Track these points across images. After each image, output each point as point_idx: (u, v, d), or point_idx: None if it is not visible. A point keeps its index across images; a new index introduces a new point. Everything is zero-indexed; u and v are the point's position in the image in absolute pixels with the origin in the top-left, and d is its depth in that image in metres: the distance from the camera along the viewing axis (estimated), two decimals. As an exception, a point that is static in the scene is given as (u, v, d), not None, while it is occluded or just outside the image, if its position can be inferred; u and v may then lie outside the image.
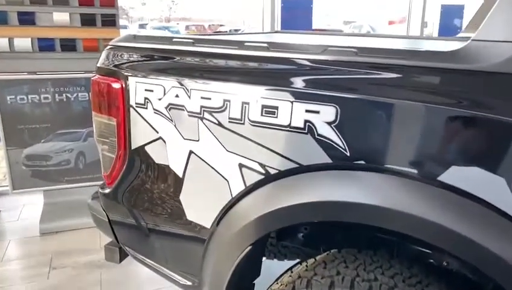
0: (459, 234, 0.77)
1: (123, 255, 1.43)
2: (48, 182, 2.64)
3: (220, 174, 1.05)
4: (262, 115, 0.96)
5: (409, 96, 0.83)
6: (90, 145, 2.66)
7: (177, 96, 1.09)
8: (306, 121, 0.91)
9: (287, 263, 1.44)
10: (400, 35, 2.54)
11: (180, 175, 1.13)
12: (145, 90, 1.14)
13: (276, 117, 0.94)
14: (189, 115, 1.07)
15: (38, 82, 2.50)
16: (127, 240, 1.37)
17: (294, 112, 0.92)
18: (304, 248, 1.32)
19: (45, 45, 2.48)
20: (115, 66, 1.22)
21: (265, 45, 1.01)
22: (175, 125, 1.11)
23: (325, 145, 0.89)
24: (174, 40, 1.14)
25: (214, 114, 1.03)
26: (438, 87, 0.84)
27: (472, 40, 0.81)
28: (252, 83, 0.99)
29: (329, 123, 0.88)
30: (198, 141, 1.07)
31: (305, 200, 0.90)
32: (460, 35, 2.16)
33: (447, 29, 5.03)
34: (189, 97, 1.07)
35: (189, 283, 1.24)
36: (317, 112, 0.90)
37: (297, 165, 0.93)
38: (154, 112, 1.13)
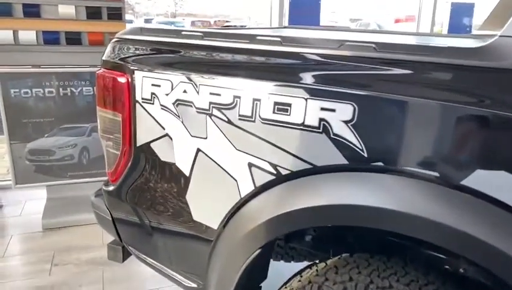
0: (484, 242, 0.72)
1: (126, 255, 1.39)
2: (51, 177, 2.61)
3: (229, 174, 1.01)
4: (274, 112, 0.92)
5: (431, 95, 0.78)
6: (94, 140, 2.62)
7: (185, 91, 1.04)
8: (321, 120, 0.86)
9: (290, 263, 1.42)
10: (411, 32, 2.48)
11: (187, 174, 1.08)
12: (152, 85, 1.10)
13: (289, 115, 0.90)
14: (198, 112, 1.03)
15: (42, 76, 2.46)
16: (130, 239, 1.33)
17: (308, 110, 0.87)
18: (312, 250, 1.28)
19: (50, 38, 2.45)
20: (121, 59, 1.18)
21: (279, 39, 0.97)
22: (182, 122, 1.06)
23: (341, 145, 0.84)
24: (183, 33, 1.09)
25: (223, 111, 0.99)
26: (464, 85, 0.79)
27: (500, 36, 0.76)
28: (263, 78, 0.94)
29: (345, 122, 0.84)
30: (206, 138, 1.03)
31: (318, 203, 0.86)
32: (475, 32, 2.10)
33: (457, 27, 4.95)
34: (198, 93, 1.02)
35: (194, 285, 1.20)
36: (333, 110, 0.85)
37: (310, 166, 0.88)
38: (161, 108, 1.09)
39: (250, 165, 0.97)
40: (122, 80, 1.15)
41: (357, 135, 0.83)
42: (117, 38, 1.22)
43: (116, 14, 2.51)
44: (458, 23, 5.04)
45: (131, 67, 1.14)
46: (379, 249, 1.01)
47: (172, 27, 1.29)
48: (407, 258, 1.01)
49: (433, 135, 0.79)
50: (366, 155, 0.83)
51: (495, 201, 0.73)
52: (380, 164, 0.82)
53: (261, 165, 0.95)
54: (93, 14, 2.47)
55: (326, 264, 1.03)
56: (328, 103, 0.85)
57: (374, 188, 0.83)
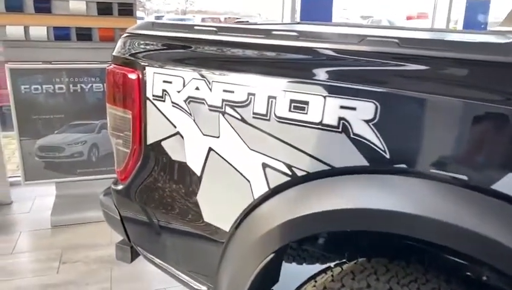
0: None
1: (135, 255, 1.36)
2: (60, 174, 2.60)
3: (241, 174, 0.97)
4: (290, 110, 0.88)
5: (459, 94, 0.73)
6: (104, 137, 2.60)
7: (197, 88, 1.01)
8: (340, 119, 0.82)
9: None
10: (428, 28, 2.42)
11: (198, 173, 1.05)
12: (163, 81, 1.06)
13: (306, 113, 0.86)
14: (210, 109, 0.99)
15: (53, 72, 2.44)
16: (139, 240, 1.30)
17: (327, 108, 0.83)
18: (325, 253, 1.23)
19: (61, 34, 2.43)
20: (132, 55, 1.15)
21: (295, 33, 0.92)
22: (194, 120, 1.03)
23: (362, 145, 0.80)
24: (196, 28, 1.05)
25: (236, 109, 0.95)
26: (492, 83, 0.74)
27: None
28: (279, 75, 0.90)
29: (367, 121, 0.79)
30: (218, 137, 0.99)
31: (337, 207, 0.82)
32: (495, 28, 2.04)
33: (472, 24, 4.85)
34: (210, 90, 0.99)
35: (204, 288, 1.17)
36: (354, 109, 0.81)
37: (328, 167, 0.84)
38: (172, 105, 1.05)
39: (264, 165, 0.93)
40: (132, 76, 1.12)
41: (378, 135, 0.79)
42: (128, 33, 1.19)
43: (127, 10, 2.48)
44: (473, 20, 4.94)
45: (142, 63, 1.11)
46: (397, 252, 0.97)
47: (184, 22, 1.25)
48: (427, 264, 0.96)
49: (460, 136, 0.74)
50: (388, 156, 0.78)
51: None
52: (403, 165, 0.77)
53: (276, 165, 0.91)
54: (104, 9, 2.45)
55: (342, 269, 0.98)
56: (348, 101, 0.81)
57: (396, 191, 0.78)
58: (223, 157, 0.99)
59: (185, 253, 1.21)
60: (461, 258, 0.92)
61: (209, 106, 0.99)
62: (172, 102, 1.05)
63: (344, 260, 1.05)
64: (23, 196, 2.85)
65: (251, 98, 0.93)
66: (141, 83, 1.11)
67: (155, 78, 1.08)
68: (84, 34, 2.45)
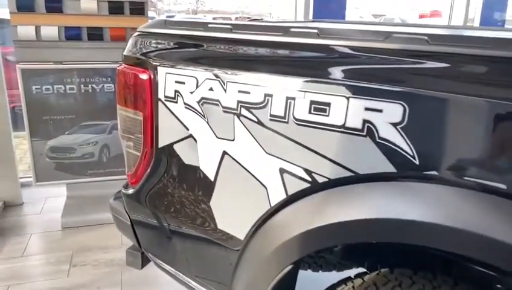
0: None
1: (145, 261, 1.32)
2: (71, 175, 2.58)
3: (257, 180, 0.92)
4: (310, 112, 0.82)
5: (498, 95, 0.67)
6: (115, 138, 2.58)
7: (211, 89, 0.96)
8: (365, 121, 0.76)
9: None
10: (449, 25, 2.34)
11: (212, 178, 1.00)
12: (176, 82, 1.02)
13: (328, 115, 0.80)
14: (224, 111, 0.94)
15: (64, 72, 2.42)
16: (150, 246, 1.26)
17: (350, 110, 0.77)
18: (343, 261, 1.18)
19: (72, 34, 2.40)
20: (143, 54, 1.10)
21: (315, 31, 0.87)
22: (207, 122, 0.98)
23: (388, 150, 0.74)
24: (210, 26, 1.01)
25: (252, 110, 0.90)
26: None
27: None
28: (298, 75, 0.85)
29: (394, 124, 0.74)
30: (233, 140, 0.94)
31: (361, 217, 0.76)
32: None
33: (488, 22, 4.73)
34: (225, 91, 0.94)
35: (217, 297, 1.12)
36: (380, 111, 0.75)
37: (352, 174, 0.78)
38: (185, 107, 1.01)
39: (282, 171, 0.87)
40: (144, 76, 1.07)
41: (407, 139, 0.73)
42: (139, 31, 1.15)
43: (139, 9, 2.45)
44: (490, 17, 4.81)
45: (154, 63, 1.06)
46: (421, 262, 0.91)
47: (197, 19, 1.20)
48: (455, 276, 0.90)
49: (499, 142, 0.68)
50: (417, 162, 0.72)
51: None
52: (434, 173, 0.71)
53: (295, 171, 0.86)
54: (116, 9, 2.42)
55: (363, 280, 0.93)
56: (374, 103, 0.75)
57: (427, 201, 0.72)
58: (237, 162, 0.94)
59: (197, 260, 1.16)
60: (492, 270, 0.86)
61: (224, 107, 0.94)
62: (184, 103, 1.01)
63: (364, 270, 0.99)
64: (34, 196, 2.84)
65: (268, 99, 0.88)
66: (153, 84, 1.06)
67: (167, 78, 1.03)
68: (96, 34, 2.43)
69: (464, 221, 0.68)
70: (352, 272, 1.04)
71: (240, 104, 0.92)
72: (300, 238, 0.82)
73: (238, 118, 0.92)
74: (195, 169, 1.02)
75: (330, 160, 0.80)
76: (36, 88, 2.40)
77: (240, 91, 0.92)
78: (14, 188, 2.77)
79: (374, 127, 0.75)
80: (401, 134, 0.73)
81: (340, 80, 0.80)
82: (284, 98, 0.85)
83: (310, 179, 0.83)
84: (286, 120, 0.85)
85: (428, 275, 0.86)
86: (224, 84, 0.94)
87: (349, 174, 0.79)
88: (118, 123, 1.22)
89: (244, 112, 0.91)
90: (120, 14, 2.43)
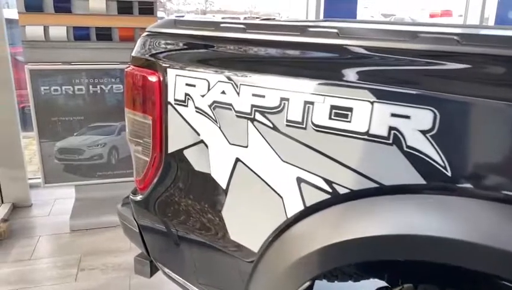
0: None
1: (154, 269, 1.28)
2: (79, 177, 2.55)
3: (273, 189, 0.86)
4: (330, 118, 0.77)
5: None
6: (124, 139, 2.54)
7: (223, 92, 0.91)
8: (391, 128, 0.70)
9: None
10: (468, 24, 2.26)
11: (224, 186, 0.95)
12: (186, 84, 0.97)
13: (350, 121, 0.74)
14: (238, 116, 0.89)
15: (72, 73, 2.39)
16: (158, 254, 1.21)
17: (375, 116, 0.72)
18: (360, 272, 1.12)
19: (80, 34, 2.37)
20: (152, 55, 1.06)
21: (335, 30, 0.81)
22: (220, 128, 0.93)
23: (417, 160, 0.68)
24: (222, 25, 0.95)
25: (267, 115, 0.85)
26: None
27: None
28: (318, 77, 0.79)
29: (423, 132, 0.68)
30: (246, 147, 0.89)
31: (387, 232, 0.70)
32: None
33: (503, 22, 4.62)
34: (238, 94, 0.88)
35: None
36: (407, 117, 0.69)
37: (376, 185, 0.73)
38: (196, 111, 0.96)
39: (300, 180, 0.82)
40: (153, 78, 1.03)
41: (438, 149, 0.67)
42: (148, 31, 1.10)
43: (148, 9, 2.40)
44: (505, 17, 4.70)
45: (163, 65, 1.01)
46: (446, 278, 0.84)
47: (209, 19, 1.15)
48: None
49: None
50: (449, 174, 0.66)
51: None
52: (469, 185, 0.65)
53: (313, 180, 0.80)
54: (124, 9, 2.38)
55: (385, 296, 0.87)
56: (401, 108, 0.70)
57: (459, 216, 0.66)
58: (251, 170, 0.89)
59: (206, 270, 1.11)
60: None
61: (237, 111, 0.89)
62: (195, 107, 0.96)
63: (385, 285, 0.94)
64: (43, 198, 2.82)
65: (284, 103, 0.82)
66: (162, 86, 1.01)
67: (177, 80, 0.98)
68: (104, 34, 2.39)
69: (502, 240, 0.62)
70: (369, 283, 0.99)
71: (254, 108, 0.86)
72: (320, 253, 0.77)
73: (252, 123, 0.87)
74: (207, 176, 0.97)
75: (352, 169, 0.75)
76: (45, 89, 2.37)
77: (254, 95, 0.86)
78: (23, 190, 2.75)
79: (401, 134, 0.69)
80: (431, 142, 0.67)
81: (363, 84, 0.74)
82: (301, 102, 0.80)
83: (330, 190, 0.78)
84: (304, 126, 0.80)
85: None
86: (237, 87, 0.89)
87: (373, 185, 0.73)
88: (126, 126, 1.17)
89: (258, 116, 0.86)
90: (129, 14, 2.39)
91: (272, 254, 0.87)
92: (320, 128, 0.78)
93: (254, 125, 0.87)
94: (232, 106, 0.90)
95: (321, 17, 3.50)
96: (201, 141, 0.97)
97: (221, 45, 0.96)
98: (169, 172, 1.06)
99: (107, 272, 2.06)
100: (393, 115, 0.70)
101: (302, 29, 0.85)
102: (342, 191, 0.76)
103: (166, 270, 1.20)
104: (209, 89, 0.93)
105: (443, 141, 0.66)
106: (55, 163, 2.49)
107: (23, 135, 2.84)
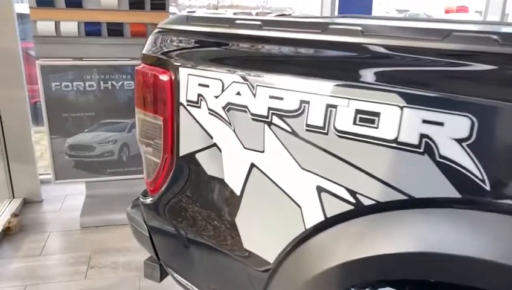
0: None
1: (164, 274, 1.24)
2: (90, 174, 2.53)
3: (290, 198, 0.81)
4: (355, 123, 0.71)
5: None
6: (135, 136, 2.50)
7: (238, 94, 0.86)
8: (422, 136, 0.64)
9: None
10: (491, 21, 2.17)
11: (238, 193, 0.90)
12: (199, 84, 0.92)
13: (377, 127, 0.69)
14: (253, 119, 0.84)
15: (83, 69, 2.36)
16: (168, 260, 1.17)
17: (404, 122, 0.66)
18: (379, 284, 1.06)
19: (92, 30, 2.34)
20: (164, 53, 1.01)
21: (359, 28, 0.75)
22: (234, 131, 0.87)
23: (451, 171, 0.62)
24: (237, 22, 0.90)
25: (285, 119, 0.79)
26: None
27: None
28: (341, 79, 0.74)
29: (459, 140, 0.62)
30: (263, 152, 0.84)
31: (416, 249, 0.64)
32: None
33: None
34: (254, 96, 0.83)
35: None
36: (441, 124, 0.63)
37: (405, 197, 0.67)
38: (209, 113, 0.91)
39: (320, 189, 0.76)
40: (164, 77, 0.98)
41: (475, 159, 0.61)
42: (159, 28, 1.05)
43: (160, 4, 2.36)
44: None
45: (175, 63, 0.96)
46: None
47: (223, 15, 1.09)
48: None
49: None
50: (488, 188, 0.60)
51: None
52: (510, 202, 0.59)
53: (335, 190, 0.74)
54: (136, 4, 2.33)
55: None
56: (434, 114, 0.64)
57: (500, 235, 0.60)
58: (267, 176, 0.84)
59: (217, 277, 1.07)
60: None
61: (253, 114, 0.84)
62: (208, 109, 0.91)
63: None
64: (54, 194, 2.81)
65: (304, 106, 0.77)
66: (174, 86, 0.96)
67: (189, 80, 0.93)
68: (115, 30, 2.35)
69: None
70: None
71: (271, 111, 0.81)
72: (342, 269, 0.71)
73: (269, 126, 0.82)
74: (220, 181, 0.92)
75: (379, 180, 0.69)
76: (55, 85, 2.35)
77: (271, 97, 0.81)
78: (34, 185, 2.74)
79: (434, 143, 0.64)
80: (467, 152, 0.61)
81: (391, 86, 0.68)
82: (323, 105, 0.74)
83: (353, 201, 0.72)
84: (326, 131, 0.74)
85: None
86: (253, 88, 0.83)
87: (401, 197, 0.67)
88: (136, 127, 1.13)
89: (276, 120, 0.81)
90: (141, 9, 2.34)
91: (289, 265, 0.82)
92: (343, 134, 0.72)
93: (271, 129, 0.82)
94: (247, 108, 0.84)
95: (336, 13, 3.42)
96: (214, 145, 0.92)
97: (236, 43, 0.90)
98: (180, 175, 1.02)
99: (116, 271, 2.04)
100: (425, 121, 0.64)
101: (323, 27, 0.79)
102: (366, 202, 0.71)
103: (176, 275, 1.16)
104: (223, 90, 0.88)
105: (481, 151, 0.60)
106: (66, 159, 2.47)
107: (35, 129, 2.84)
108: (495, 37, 0.63)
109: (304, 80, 0.77)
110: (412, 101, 0.65)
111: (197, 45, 0.97)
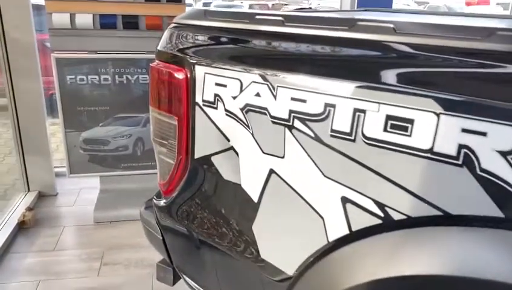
0: None
1: (177, 277, 1.20)
2: (104, 168, 2.51)
3: (312, 207, 0.76)
4: (386, 130, 0.65)
5: None
6: (149, 131, 2.48)
7: (257, 95, 0.80)
8: (461, 147, 0.58)
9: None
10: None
11: (255, 199, 0.85)
12: (216, 84, 0.87)
13: (410, 136, 0.63)
14: (273, 122, 0.79)
15: (98, 62, 2.34)
16: (181, 263, 1.13)
17: (441, 131, 0.60)
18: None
19: (107, 22, 2.31)
20: (179, 50, 0.96)
21: (390, 25, 0.69)
22: (252, 134, 0.82)
23: (493, 187, 0.56)
24: (258, 17, 0.84)
25: (308, 123, 0.74)
26: None
27: None
28: (371, 81, 0.68)
29: (503, 153, 0.56)
30: (283, 157, 0.79)
31: (452, 272, 0.58)
32: None
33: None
34: (275, 97, 0.78)
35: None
36: (483, 134, 0.57)
37: (440, 213, 0.61)
38: (226, 114, 0.86)
39: (345, 200, 0.71)
40: (179, 75, 0.93)
41: (522, 175, 0.55)
42: (175, 23, 1.00)
43: (176, -4, 2.31)
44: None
45: (191, 61, 0.91)
46: None
47: (243, 10, 1.03)
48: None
49: None
50: (536, 207, 0.54)
51: None
52: (562, 224, 0.53)
53: (361, 202, 0.69)
54: (152, -5, 2.29)
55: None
56: (475, 123, 0.57)
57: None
58: (287, 183, 0.79)
59: (231, 284, 1.02)
60: None
61: (273, 117, 0.79)
62: (226, 110, 0.86)
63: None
64: (69, 187, 2.81)
65: (329, 110, 0.71)
66: (189, 85, 0.92)
67: (206, 79, 0.89)
68: (131, 22, 2.32)
69: None
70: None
71: (292, 114, 0.76)
72: (368, 287, 0.66)
73: (290, 131, 0.76)
74: (236, 187, 0.88)
75: (410, 192, 0.63)
76: (70, 78, 2.33)
77: (293, 99, 0.76)
78: (49, 179, 2.75)
79: (474, 154, 0.57)
80: (513, 167, 0.55)
81: (427, 91, 0.62)
82: (350, 109, 0.69)
83: (382, 215, 0.67)
84: (353, 138, 0.68)
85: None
86: (274, 89, 0.78)
87: (436, 213, 0.61)
88: (150, 125, 1.09)
89: (297, 124, 0.75)
90: (156, 2, 2.30)
91: (310, 279, 0.77)
92: (372, 142, 0.66)
93: (292, 134, 0.76)
94: (267, 110, 0.79)
95: (355, 6, 3.32)
96: (231, 148, 0.87)
97: (255, 40, 0.85)
98: (195, 179, 0.97)
99: (129, 268, 2.02)
100: (464, 130, 0.58)
101: (350, 23, 0.73)
102: (396, 216, 0.65)
103: (188, 279, 1.12)
104: (241, 90, 0.83)
105: None
106: (80, 153, 2.46)
107: (51, 121, 2.83)
108: (545, 36, 0.57)
109: (329, 82, 0.72)
110: (450, 107, 0.59)
111: (214, 41, 0.92)
